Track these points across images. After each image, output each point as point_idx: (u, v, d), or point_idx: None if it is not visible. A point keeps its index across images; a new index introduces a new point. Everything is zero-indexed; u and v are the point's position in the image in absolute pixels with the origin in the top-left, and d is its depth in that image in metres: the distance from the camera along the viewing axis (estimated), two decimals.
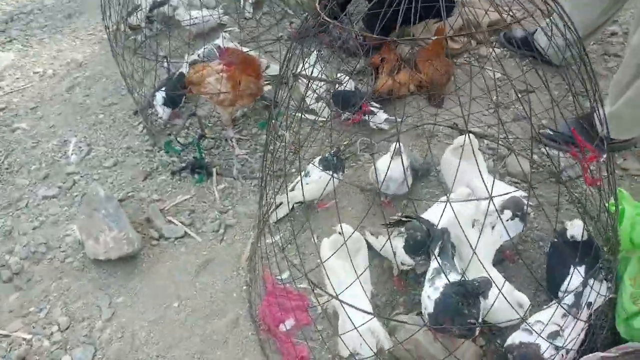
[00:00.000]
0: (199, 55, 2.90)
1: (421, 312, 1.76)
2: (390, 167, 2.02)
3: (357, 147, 2.52)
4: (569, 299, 1.53)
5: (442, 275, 1.50)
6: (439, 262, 1.56)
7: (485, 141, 2.44)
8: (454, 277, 1.50)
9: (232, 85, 2.36)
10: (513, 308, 1.39)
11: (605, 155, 1.64)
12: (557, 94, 2.60)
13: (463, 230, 1.48)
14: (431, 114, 2.59)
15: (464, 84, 2.58)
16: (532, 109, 2.36)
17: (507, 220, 1.72)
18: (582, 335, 1.46)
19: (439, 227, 1.73)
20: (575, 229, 1.63)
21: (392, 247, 1.75)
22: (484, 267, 1.50)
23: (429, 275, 1.55)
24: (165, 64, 2.81)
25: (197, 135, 2.62)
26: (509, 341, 1.49)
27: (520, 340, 1.46)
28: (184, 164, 2.51)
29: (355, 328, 1.45)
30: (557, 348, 1.43)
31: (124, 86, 2.78)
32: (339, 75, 2.72)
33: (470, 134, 2.13)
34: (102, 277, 2.06)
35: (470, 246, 1.70)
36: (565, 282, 1.57)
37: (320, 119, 2.72)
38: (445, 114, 2.55)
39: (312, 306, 1.82)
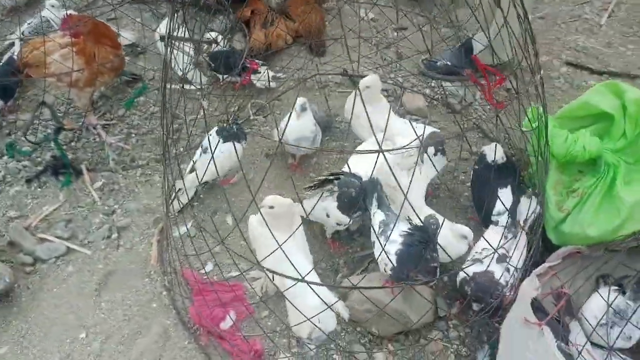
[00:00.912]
0: (24, 34, 2.33)
1: (365, 270, 1.69)
2: (299, 125, 1.85)
3: (248, 111, 2.29)
4: (504, 220, 1.56)
5: (392, 225, 1.41)
6: (384, 214, 1.47)
7: None
8: (402, 225, 1.42)
9: (86, 60, 1.94)
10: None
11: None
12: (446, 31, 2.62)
13: (395, 177, 1.40)
14: (317, 63, 2.45)
15: (349, 30, 2.46)
16: (414, 44, 2.39)
17: (433, 156, 1.68)
18: (524, 253, 1.50)
19: (363, 178, 1.65)
20: (496, 152, 1.65)
21: (323, 209, 1.62)
22: (413, 208, 1.45)
23: (377, 230, 1.45)
24: None
25: (51, 130, 2.14)
26: (462, 275, 1.47)
27: (473, 272, 1.45)
28: (41, 167, 2.04)
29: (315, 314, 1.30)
30: (508, 269, 1.45)
31: None
32: (210, 34, 2.42)
33: (373, 74, 2.05)
34: None
35: (403, 192, 1.64)
36: (497, 205, 1.60)
37: (195, 86, 2.40)
38: (333, 62, 2.43)
39: (250, 294, 1.62)
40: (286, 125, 1.87)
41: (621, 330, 1.30)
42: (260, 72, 2.33)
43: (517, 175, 1.64)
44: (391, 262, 1.34)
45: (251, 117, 2.27)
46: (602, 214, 1.50)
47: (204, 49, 2.30)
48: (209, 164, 1.59)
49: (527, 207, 1.55)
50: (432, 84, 2.36)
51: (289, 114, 1.90)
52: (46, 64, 1.93)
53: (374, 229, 1.48)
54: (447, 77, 2.35)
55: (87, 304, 1.65)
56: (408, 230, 1.38)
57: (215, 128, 1.89)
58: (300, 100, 1.85)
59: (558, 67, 2.42)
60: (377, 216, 1.48)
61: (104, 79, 2.04)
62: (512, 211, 1.57)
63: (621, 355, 1.30)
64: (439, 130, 1.81)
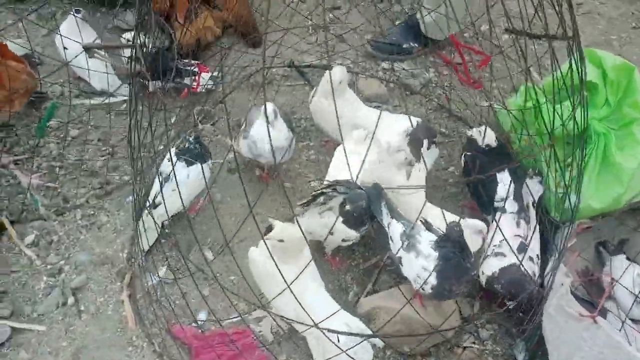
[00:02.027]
0: None
1: (376, 282, 1.57)
2: (272, 134, 1.63)
3: (195, 120, 2.00)
4: (511, 206, 1.51)
5: (418, 237, 1.29)
6: (401, 224, 1.33)
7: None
8: (427, 235, 1.30)
9: None
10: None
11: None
12: (383, 6, 2.48)
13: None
14: (255, 56, 2.20)
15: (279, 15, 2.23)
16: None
17: (427, 150, 1.57)
18: (537, 236, 1.47)
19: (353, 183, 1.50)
20: (488, 136, 1.59)
21: (324, 226, 1.44)
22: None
23: (400, 244, 1.31)
24: None
25: None
26: (487, 273, 1.40)
27: (499, 268, 1.39)
28: None
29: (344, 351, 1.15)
30: (531, 258, 1.41)
31: None
32: (126, 36, 2.05)
33: (341, 66, 1.88)
34: None
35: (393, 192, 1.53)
36: (498, 191, 1.55)
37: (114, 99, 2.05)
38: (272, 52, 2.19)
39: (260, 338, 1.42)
40: (244, 136, 1.66)
41: None
42: (197, 74, 2.04)
43: (511, 157, 1.60)
44: (422, 279, 1.22)
45: (199, 127, 1.98)
46: (602, 185, 1.51)
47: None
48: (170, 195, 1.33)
49: (533, 188, 1.51)
50: (385, 66, 2.23)
51: (257, 122, 1.69)
52: None
53: (392, 241, 1.34)
54: (399, 56, 2.24)
55: None
56: (441, 242, 1.26)
57: (173, 149, 1.60)
58: (270, 106, 1.63)
59: (500, 35, 2.43)
60: (395, 228, 1.34)
61: (15, 108, 1.62)
62: (518, 195, 1.52)
63: None
64: (419, 120, 1.70)
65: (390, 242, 1.35)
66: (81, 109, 2.01)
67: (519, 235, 1.44)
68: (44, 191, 1.75)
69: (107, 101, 2.03)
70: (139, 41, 1.87)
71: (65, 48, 1.98)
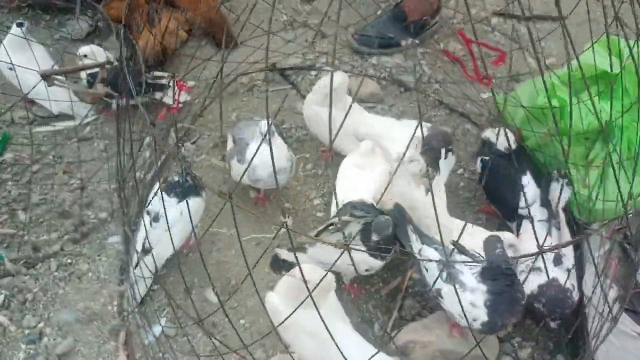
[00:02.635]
0: None
1: (401, 308, 1.44)
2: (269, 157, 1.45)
3: (172, 139, 1.78)
4: (541, 213, 1.41)
5: (458, 266, 1.15)
6: (435, 250, 1.20)
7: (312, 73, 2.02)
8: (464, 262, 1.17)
9: None
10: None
11: None
12: None
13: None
14: (225, 61, 1.98)
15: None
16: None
17: (445, 160, 1.43)
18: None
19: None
20: (507, 139, 1.47)
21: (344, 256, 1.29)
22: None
23: (436, 273, 1.17)
24: None
25: None
26: (527, 291, 1.29)
27: (537, 285, 1.28)
28: None
29: None
30: (568, 270, 1.31)
31: None
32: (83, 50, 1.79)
33: (340, 72, 1.70)
34: None
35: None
36: (524, 196, 1.44)
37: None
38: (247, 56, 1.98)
39: None
40: (238, 159, 1.48)
41: None
42: (169, 87, 1.82)
43: (531, 159, 1.49)
44: (470, 316, 1.09)
45: (181, 149, 1.77)
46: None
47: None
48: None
49: (560, 192, 1.40)
50: (373, 62, 2.07)
51: (252, 143, 1.49)
52: None
53: (425, 271, 1.21)
54: (386, 50, 2.08)
55: None
56: (487, 273, 1.13)
57: (163, 185, 1.39)
58: (264, 124, 1.44)
59: (489, 18, 2.31)
60: (428, 255, 1.21)
61: None
62: (545, 200, 1.42)
63: None
64: (429, 125, 1.56)
65: (423, 271, 1.22)
66: (39, 137, 1.76)
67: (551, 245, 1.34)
68: (8, 241, 1.51)
69: (69, 126, 1.79)
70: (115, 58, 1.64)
71: (10, 68, 1.72)
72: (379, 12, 2.23)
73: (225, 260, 1.51)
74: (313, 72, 2.01)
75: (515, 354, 1.36)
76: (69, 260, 1.49)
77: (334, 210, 1.43)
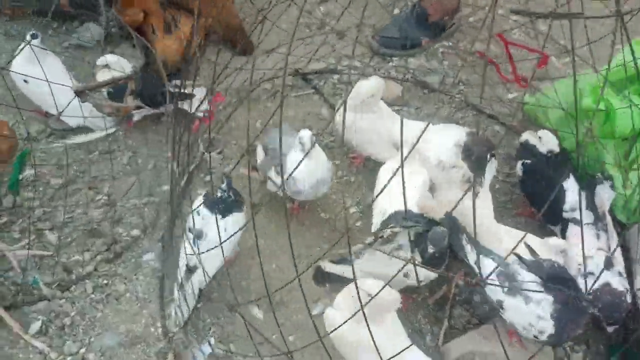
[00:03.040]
0: None
1: (451, 316, 1.42)
2: (313, 166, 1.42)
3: (199, 148, 1.73)
4: (587, 217, 1.40)
5: (519, 276, 1.14)
6: (492, 260, 1.18)
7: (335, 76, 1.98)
8: (528, 274, 1.15)
9: None
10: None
11: None
12: None
13: None
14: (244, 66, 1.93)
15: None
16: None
17: (490, 165, 1.42)
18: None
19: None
20: (549, 141, 1.46)
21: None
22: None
23: (496, 284, 1.16)
24: None
25: None
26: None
27: (592, 290, 1.27)
28: None
29: None
30: (620, 273, 1.31)
31: None
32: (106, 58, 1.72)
33: (375, 76, 1.66)
34: None
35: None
36: (567, 200, 1.43)
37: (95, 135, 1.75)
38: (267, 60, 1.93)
39: None
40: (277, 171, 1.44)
41: None
42: (194, 96, 1.76)
43: (572, 162, 1.48)
44: (536, 328, 1.08)
45: (205, 157, 1.71)
46: None
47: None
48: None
49: (605, 195, 1.40)
50: (394, 64, 2.04)
51: (293, 152, 1.45)
52: None
53: (482, 282, 1.19)
54: (408, 51, 2.05)
55: None
56: (549, 282, 1.12)
57: (201, 199, 1.35)
58: (306, 134, 1.40)
59: (507, 17, 2.29)
60: (486, 266, 1.19)
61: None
62: (591, 203, 1.41)
63: None
64: (467, 129, 1.54)
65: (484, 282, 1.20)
66: (59, 152, 1.69)
67: (601, 249, 1.34)
68: (38, 263, 1.45)
69: (88, 139, 1.73)
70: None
71: (25, 81, 1.66)
72: (395, 12, 2.21)
73: (267, 275, 1.47)
74: (336, 76, 1.98)
75: (569, 358, 1.36)
76: (105, 281, 1.44)
77: (378, 220, 1.41)
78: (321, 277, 1.40)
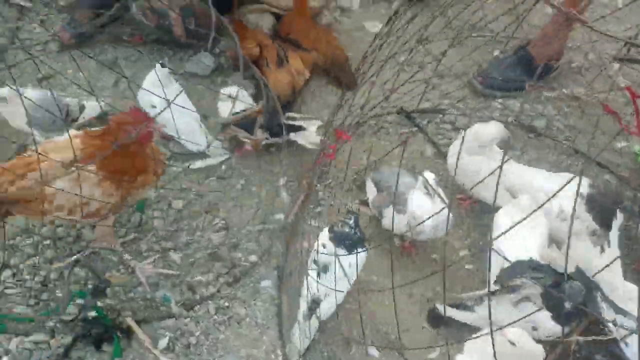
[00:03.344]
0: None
1: None
2: (436, 209, 1.45)
3: (313, 184, 1.79)
4: None
5: None
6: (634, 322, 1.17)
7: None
8: None
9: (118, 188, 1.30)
10: None
11: None
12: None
13: None
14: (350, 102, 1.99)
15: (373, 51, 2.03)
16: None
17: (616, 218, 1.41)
18: None
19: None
20: None
21: (524, 320, 1.27)
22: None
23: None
24: None
25: (90, 287, 1.46)
26: None
27: None
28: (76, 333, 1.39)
29: None
30: None
31: None
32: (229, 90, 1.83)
33: (495, 122, 1.68)
34: None
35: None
36: None
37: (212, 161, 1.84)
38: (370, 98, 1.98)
39: None
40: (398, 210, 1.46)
41: None
42: (304, 128, 1.83)
43: None
44: None
45: (319, 193, 1.77)
46: None
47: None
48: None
49: None
50: (498, 105, 2.06)
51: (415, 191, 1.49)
52: (45, 196, 1.26)
53: (625, 346, 1.17)
54: (511, 93, 2.07)
55: None
56: None
57: (326, 233, 1.40)
58: (430, 176, 1.44)
59: (609, 64, 2.28)
60: (626, 326, 1.17)
61: (139, 194, 1.41)
62: None
63: None
64: (589, 180, 1.53)
65: (622, 346, 1.19)
66: (178, 175, 1.80)
67: None
68: (164, 280, 1.54)
69: (206, 164, 1.83)
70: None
71: (153, 106, 1.77)
72: (495, 54, 2.24)
73: (381, 311, 1.50)
74: (439, 115, 2.02)
75: None
76: (226, 304, 1.50)
77: (496, 268, 1.42)
78: (436, 319, 1.42)
